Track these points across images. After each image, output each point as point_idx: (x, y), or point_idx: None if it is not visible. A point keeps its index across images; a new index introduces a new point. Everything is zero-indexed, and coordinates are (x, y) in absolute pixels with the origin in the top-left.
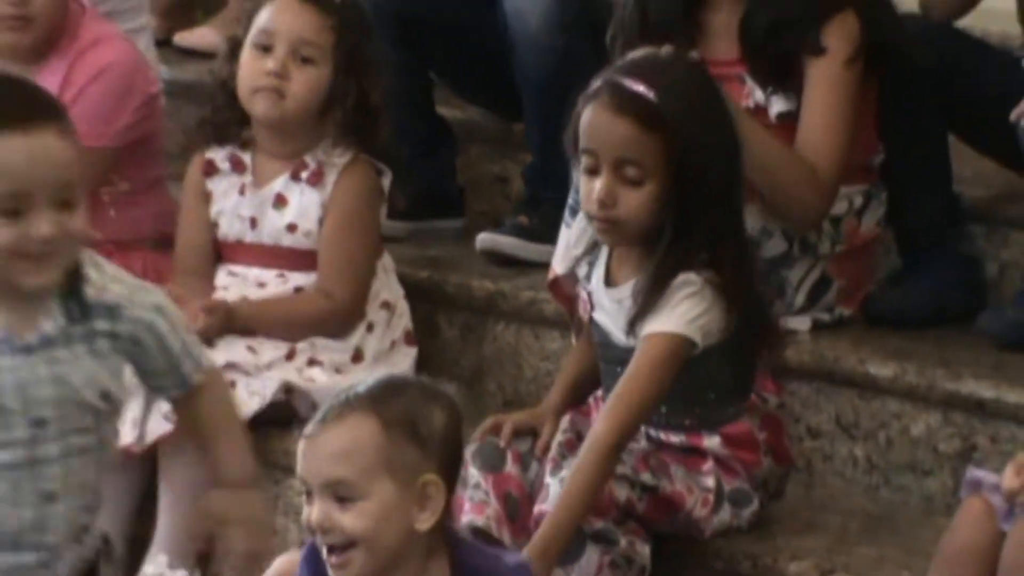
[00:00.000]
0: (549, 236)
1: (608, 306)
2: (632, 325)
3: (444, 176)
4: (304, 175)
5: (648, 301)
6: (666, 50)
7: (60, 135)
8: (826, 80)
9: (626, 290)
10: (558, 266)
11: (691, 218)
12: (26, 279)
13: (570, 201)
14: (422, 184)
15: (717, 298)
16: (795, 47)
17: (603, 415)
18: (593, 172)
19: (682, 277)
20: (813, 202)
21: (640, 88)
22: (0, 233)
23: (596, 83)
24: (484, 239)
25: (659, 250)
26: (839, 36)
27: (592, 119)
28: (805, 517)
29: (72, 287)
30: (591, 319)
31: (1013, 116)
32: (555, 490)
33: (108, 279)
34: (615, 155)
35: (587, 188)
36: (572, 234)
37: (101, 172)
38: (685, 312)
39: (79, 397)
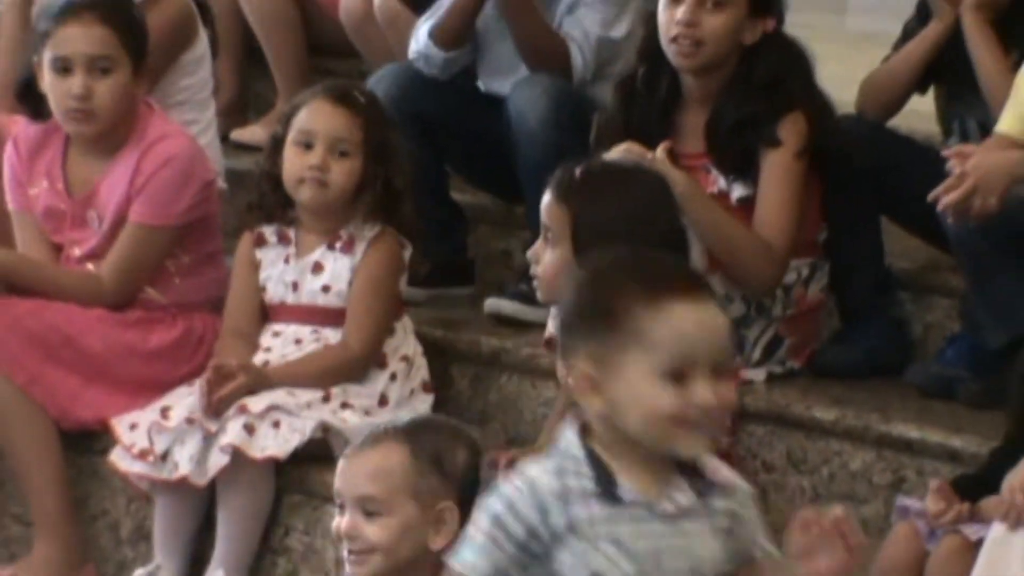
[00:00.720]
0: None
1: None
2: None
3: (457, 250)
4: (338, 245)
5: None
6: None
7: (715, 305)
8: (779, 169)
9: None
10: (552, 326)
11: None
12: (682, 446)
13: None
14: (438, 256)
15: None
16: (754, 142)
17: None
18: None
19: None
20: (768, 273)
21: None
22: (665, 398)
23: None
24: (490, 304)
25: None
26: (790, 132)
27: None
28: None
29: (695, 461)
30: None
31: (930, 196)
32: None
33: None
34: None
35: None
36: (549, 324)
37: (167, 247)
38: None
39: (702, 572)
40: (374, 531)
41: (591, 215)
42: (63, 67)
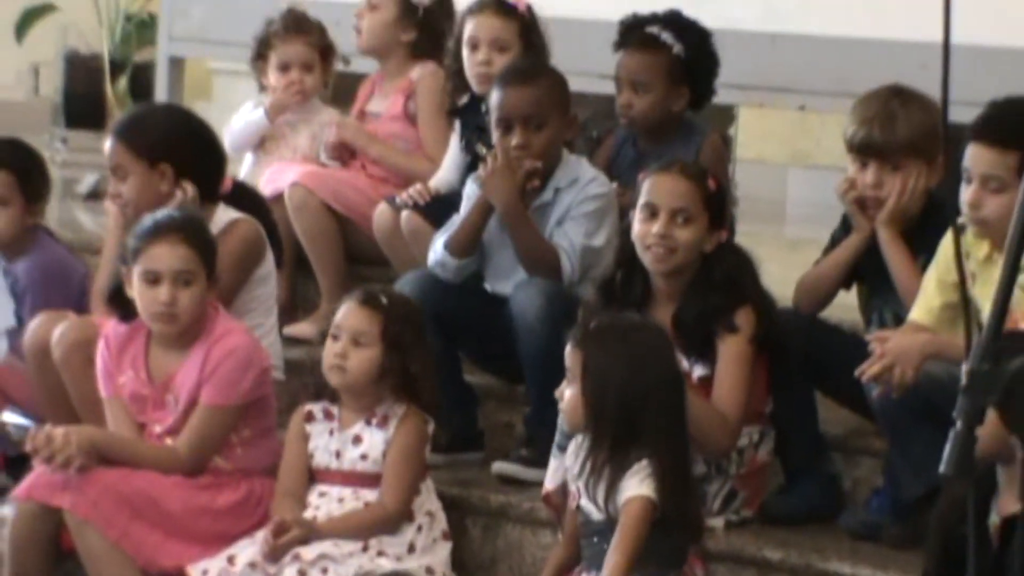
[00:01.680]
0: (542, 463)
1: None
2: (606, 502)
3: (469, 423)
4: (374, 421)
5: (614, 480)
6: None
7: None
8: (733, 353)
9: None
10: (548, 484)
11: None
12: None
13: (556, 439)
14: (454, 428)
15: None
16: (713, 330)
17: (607, 563)
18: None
19: (636, 465)
20: (724, 440)
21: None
22: None
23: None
24: (497, 466)
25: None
26: (743, 322)
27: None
28: None
29: None
30: (578, 506)
31: (856, 372)
32: None
33: None
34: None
35: None
36: (567, 457)
37: (232, 423)
38: (645, 482)
39: None
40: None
41: (597, 359)
42: (152, 279)
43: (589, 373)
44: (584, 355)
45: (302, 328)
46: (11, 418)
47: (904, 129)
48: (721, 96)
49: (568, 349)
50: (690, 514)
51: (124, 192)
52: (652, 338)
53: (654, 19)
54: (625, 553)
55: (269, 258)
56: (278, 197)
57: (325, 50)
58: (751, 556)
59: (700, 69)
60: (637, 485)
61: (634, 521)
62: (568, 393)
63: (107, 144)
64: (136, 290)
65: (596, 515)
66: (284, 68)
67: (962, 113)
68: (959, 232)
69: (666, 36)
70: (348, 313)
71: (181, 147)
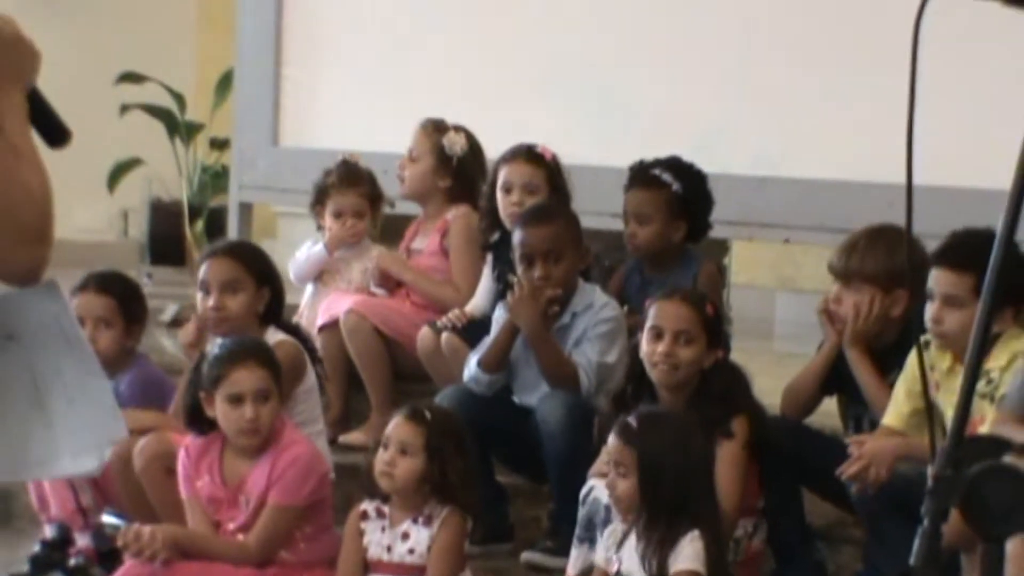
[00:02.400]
0: (565, 553)
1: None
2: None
3: (501, 518)
4: (420, 520)
5: (667, 552)
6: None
7: None
8: (729, 456)
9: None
10: (571, 571)
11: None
12: None
13: (577, 531)
14: (488, 522)
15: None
16: (712, 436)
17: None
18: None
19: (688, 536)
20: (726, 529)
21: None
22: None
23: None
24: (525, 556)
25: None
26: (739, 429)
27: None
28: None
29: None
30: None
31: (837, 472)
32: None
33: None
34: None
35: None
36: (604, 539)
37: (295, 521)
38: (696, 556)
39: None
40: None
41: (653, 448)
42: (236, 400)
43: (645, 462)
44: (638, 448)
45: (355, 436)
46: (108, 519)
47: (860, 260)
48: (716, 231)
49: (616, 445)
50: None
51: (231, 305)
52: (686, 422)
53: (657, 163)
54: None
55: (310, 375)
56: (335, 323)
57: (375, 198)
58: None
59: (696, 205)
60: (689, 559)
61: None
62: (623, 485)
63: (215, 263)
64: (220, 411)
65: None
66: (338, 215)
67: (930, 245)
68: (922, 348)
69: (666, 176)
70: (396, 426)
71: (272, 275)
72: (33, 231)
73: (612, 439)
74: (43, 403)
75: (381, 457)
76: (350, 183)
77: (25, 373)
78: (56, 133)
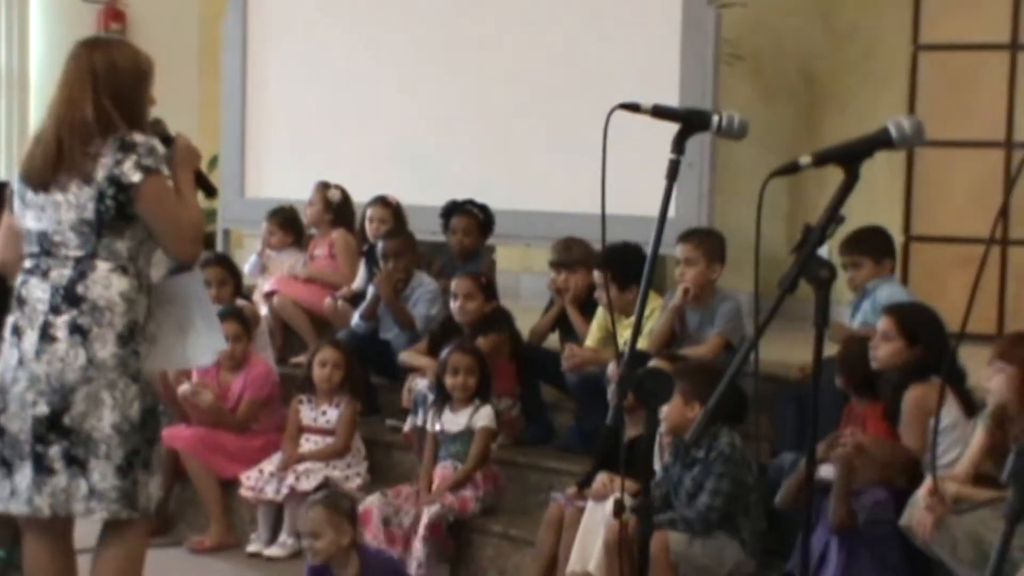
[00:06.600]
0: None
1: None
2: None
3: (373, 401)
4: (333, 403)
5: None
6: None
7: None
8: (504, 357)
9: None
10: (406, 428)
11: None
12: None
13: (412, 407)
14: (368, 405)
15: None
16: (492, 353)
17: None
18: None
19: None
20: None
21: None
22: None
23: None
24: (389, 422)
25: None
26: (507, 345)
27: None
28: None
29: None
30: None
31: (564, 368)
32: None
33: None
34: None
35: None
36: None
37: (259, 407)
38: (490, 415)
39: None
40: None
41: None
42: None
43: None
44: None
45: (295, 360)
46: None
47: (568, 255)
48: (492, 239)
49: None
50: None
51: (221, 293)
52: None
53: (468, 201)
54: None
55: (263, 324)
56: (274, 293)
57: (298, 233)
58: None
59: (488, 225)
60: (485, 418)
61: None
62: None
63: (211, 269)
64: None
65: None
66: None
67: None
68: (607, 310)
69: (475, 208)
70: (324, 351)
71: (238, 272)
72: (189, 240)
73: None
74: (189, 330)
75: (318, 371)
76: (281, 225)
77: (178, 318)
78: (210, 190)
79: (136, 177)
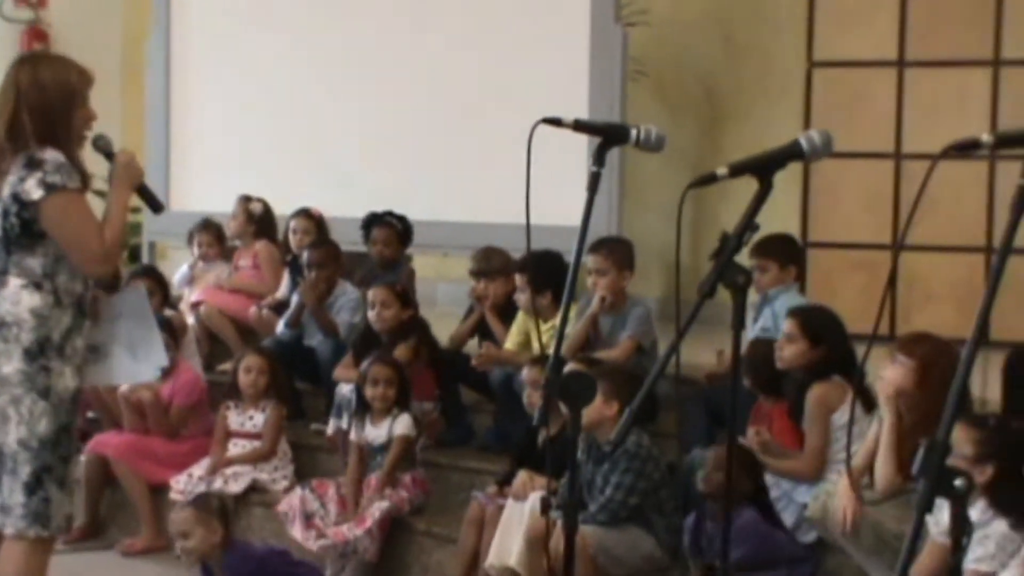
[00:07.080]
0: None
1: None
2: None
3: (298, 407)
4: (259, 408)
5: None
6: None
7: None
8: (421, 362)
9: None
10: (329, 431)
11: None
12: None
13: (333, 411)
14: (292, 410)
15: None
16: (412, 356)
17: None
18: None
19: None
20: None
21: None
22: None
23: None
24: (313, 426)
25: None
26: (423, 350)
27: None
28: None
29: None
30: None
31: (474, 365)
32: None
33: None
34: None
35: None
36: None
37: (188, 413)
38: (409, 424)
39: None
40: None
41: None
42: None
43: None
44: None
45: (223, 367)
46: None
47: (488, 264)
48: (411, 249)
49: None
50: None
51: (152, 301)
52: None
53: (388, 213)
54: None
55: (191, 332)
56: (200, 304)
57: (221, 238)
58: None
59: (407, 235)
60: (403, 426)
61: None
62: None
63: (142, 280)
64: None
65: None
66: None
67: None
68: (530, 311)
69: (394, 220)
70: (249, 359)
71: (166, 282)
72: (97, 258)
73: None
74: (135, 347)
75: (244, 380)
76: (206, 231)
77: (126, 333)
78: (155, 206)
79: (37, 195)
